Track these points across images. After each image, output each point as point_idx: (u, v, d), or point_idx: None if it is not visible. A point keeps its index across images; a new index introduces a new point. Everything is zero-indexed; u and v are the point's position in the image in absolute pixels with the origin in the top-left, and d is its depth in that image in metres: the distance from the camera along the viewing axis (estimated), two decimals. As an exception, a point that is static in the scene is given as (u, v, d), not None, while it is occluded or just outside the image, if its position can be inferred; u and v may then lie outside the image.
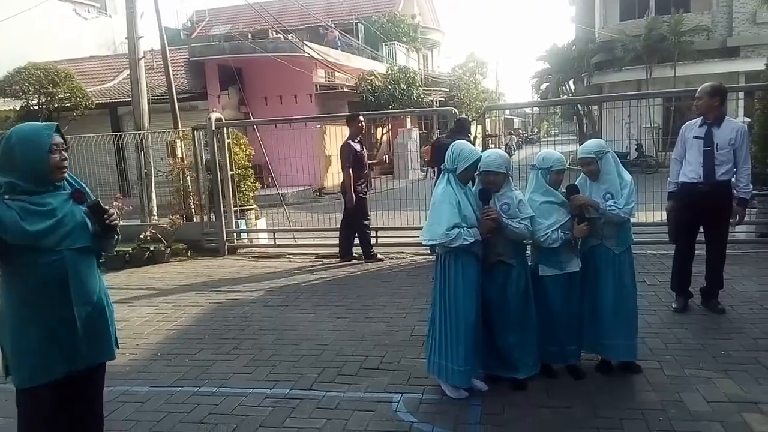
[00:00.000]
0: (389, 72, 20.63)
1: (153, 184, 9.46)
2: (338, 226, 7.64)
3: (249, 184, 9.03)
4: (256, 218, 9.13)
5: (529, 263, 3.62)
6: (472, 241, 3.23)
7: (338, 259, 7.46)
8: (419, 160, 19.18)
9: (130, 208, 8.34)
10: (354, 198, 7.09)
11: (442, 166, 3.53)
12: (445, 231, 3.20)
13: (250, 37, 17.62)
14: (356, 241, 7.46)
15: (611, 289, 3.55)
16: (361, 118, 7.41)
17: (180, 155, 9.00)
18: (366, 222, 7.40)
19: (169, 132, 9.53)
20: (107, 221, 2.42)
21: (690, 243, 4.76)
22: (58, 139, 2.35)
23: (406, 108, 18.54)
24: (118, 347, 2.63)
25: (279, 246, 8.50)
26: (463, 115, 8.04)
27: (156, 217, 9.18)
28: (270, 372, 3.98)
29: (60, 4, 20.24)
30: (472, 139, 7.66)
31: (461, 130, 6.72)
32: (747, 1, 20.32)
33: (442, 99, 24.78)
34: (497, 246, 3.41)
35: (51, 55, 16.07)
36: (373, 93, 19.10)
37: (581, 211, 3.51)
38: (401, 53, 26.19)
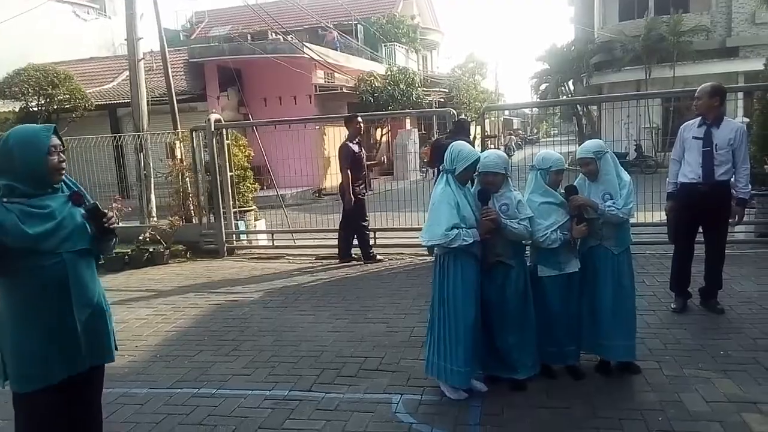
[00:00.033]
0: (388, 73, 20.65)
1: (152, 185, 9.47)
2: (337, 227, 7.64)
3: (248, 185, 9.04)
4: (256, 219, 9.14)
5: (528, 264, 3.62)
6: (471, 241, 3.23)
7: (337, 261, 7.46)
8: (419, 160, 19.20)
9: (130, 209, 8.34)
10: (353, 199, 7.09)
11: (440, 167, 3.53)
12: (444, 232, 3.20)
13: (249, 38, 17.65)
14: (355, 242, 7.46)
15: (610, 289, 3.55)
16: (359, 119, 7.40)
17: (179, 156, 9.01)
18: (364, 223, 7.39)
19: (168, 133, 9.54)
20: (106, 224, 2.41)
21: (689, 243, 4.76)
22: (55, 140, 2.34)
23: (405, 109, 18.55)
24: (116, 349, 2.63)
25: (278, 247, 8.50)
26: (463, 116, 8.04)
27: (155, 219, 9.19)
28: (269, 373, 3.98)
29: (59, 5, 20.26)
30: (471, 139, 7.65)
31: (461, 130, 6.71)
32: (746, 2, 20.35)
33: (442, 100, 24.78)
34: (496, 246, 3.41)
35: (50, 56, 16.09)
36: (372, 94, 19.11)
37: (580, 211, 3.51)
38: (400, 54, 26.21)
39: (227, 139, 8.36)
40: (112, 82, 17.56)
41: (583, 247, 3.63)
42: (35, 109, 13.16)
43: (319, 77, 18.70)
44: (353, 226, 7.35)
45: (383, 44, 25.67)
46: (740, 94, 10.28)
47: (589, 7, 26.19)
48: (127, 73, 11.42)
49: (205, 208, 8.53)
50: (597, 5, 24.58)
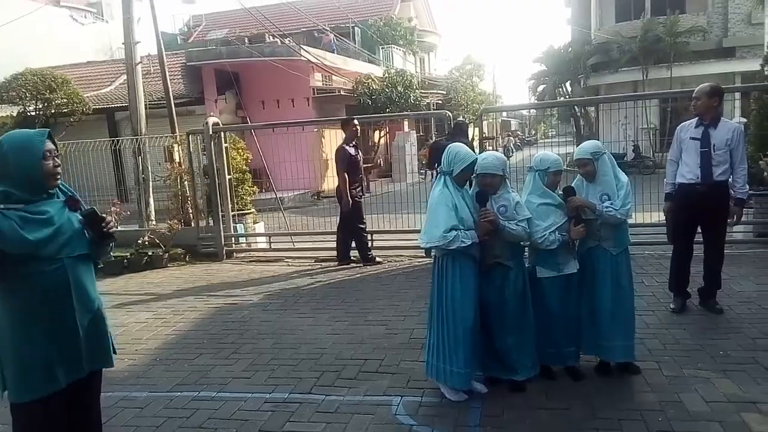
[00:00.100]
0: (386, 75, 20.66)
1: (150, 189, 9.45)
2: (336, 230, 7.64)
3: (247, 188, 9.03)
4: (254, 222, 9.14)
5: (526, 265, 3.63)
6: (469, 243, 3.23)
7: (336, 263, 7.46)
8: (417, 162, 19.21)
9: (128, 213, 8.33)
10: (350, 202, 7.09)
11: (438, 169, 3.54)
12: (442, 233, 3.20)
13: (246, 41, 17.66)
14: (354, 244, 7.46)
15: (609, 290, 3.55)
16: (356, 122, 7.40)
17: (177, 160, 9.00)
18: (361, 226, 7.39)
19: (166, 137, 9.53)
20: (105, 229, 2.41)
21: (688, 243, 4.77)
22: (50, 145, 2.33)
23: (403, 111, 18.55)
24: (115, 353, 2.62)
25: (277, 250, 8.50)
26: (461, 118, 8.05)
27: (154, 222, 9.17)
28: (269, 376, 3.98)
29: (57, 9, 20.26)
30: (470, 141, 7.67)
31: (459, 132, 6.74)
32: (742, 2, 20.42)
33: (440, 102, 24.81)
34: (495, 248, 3.41)
35: (48, 60, 16.05)
36: (370, 96, 19.12)
37: (578, 212, 3.51)
38: (398, 56, 26.24)
39: (225, 143, 8.36)
40: (109, 86, 17.53)
41: (582, 248, 3.64)
42: (33, 113, 13.13)
43: (317, 80, 18.70)
44: (350, 228, 7.36)
45: (381, 47, 25.70)
46: (737, 95, 10.28)
47: (585, 9, 26.25)
48: (124, 77, 11.40)
49: (204, 212, 8.52)
50: (594, 7, 24.63)
